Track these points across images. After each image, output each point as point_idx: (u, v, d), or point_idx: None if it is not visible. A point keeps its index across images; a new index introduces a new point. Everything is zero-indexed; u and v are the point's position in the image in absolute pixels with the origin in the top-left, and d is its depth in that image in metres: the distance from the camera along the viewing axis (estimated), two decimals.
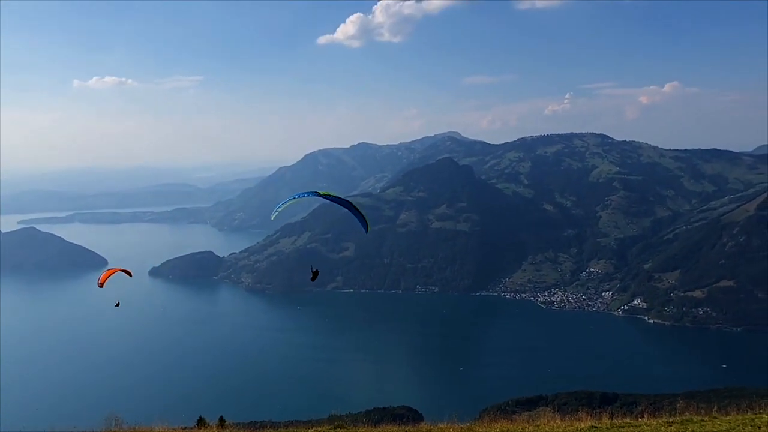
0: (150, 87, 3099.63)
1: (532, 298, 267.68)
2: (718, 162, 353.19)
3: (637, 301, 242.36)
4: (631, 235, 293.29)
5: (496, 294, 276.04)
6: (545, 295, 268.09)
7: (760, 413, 21.14)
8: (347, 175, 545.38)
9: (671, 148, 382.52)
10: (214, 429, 26.90)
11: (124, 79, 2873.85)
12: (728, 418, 20.86)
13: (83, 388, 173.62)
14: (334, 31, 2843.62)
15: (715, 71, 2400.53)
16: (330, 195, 30.52)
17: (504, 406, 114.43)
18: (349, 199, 30.71)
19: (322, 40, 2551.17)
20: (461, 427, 22.06)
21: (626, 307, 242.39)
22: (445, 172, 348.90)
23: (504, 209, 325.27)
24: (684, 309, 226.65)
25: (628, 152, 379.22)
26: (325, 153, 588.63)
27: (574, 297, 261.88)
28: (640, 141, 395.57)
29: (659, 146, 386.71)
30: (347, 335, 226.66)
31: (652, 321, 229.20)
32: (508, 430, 20.95)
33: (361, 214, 30.35)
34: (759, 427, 19.19)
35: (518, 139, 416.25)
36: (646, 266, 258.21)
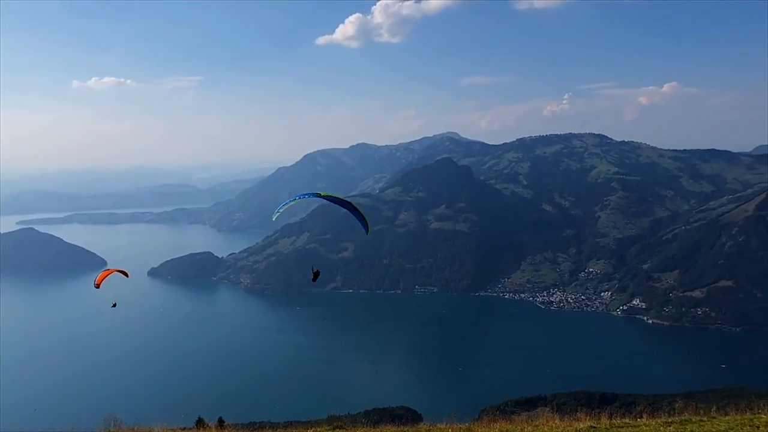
0: (149, 87, 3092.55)
1: (531, 299, 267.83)
2: (717, 162, 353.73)
3: (636, 301, 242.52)
4: (630, 236, 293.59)
5: (495, 294, 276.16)
6: (544, 296, 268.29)
7: (758, 413, 21.12)
8: (346, 175, 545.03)
9: (670, 149, 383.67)
10: (213, 429, 26.92)
11: (123, 79, 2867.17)
12: (727, 418, 20.85)
13: (83, 388, 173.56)
14: (333, 31, 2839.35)
15: (714, 71, 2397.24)
16: (331, 196, 30.59)
17: (503, 406, 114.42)
18: (348, 199, 30.75)
19: (321, 40, 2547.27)
20: (460, 428, 22.01)
21: (625, 307, 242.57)
22: (444, 172, 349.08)
23: (503, 209, 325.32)
24: (683, 309, 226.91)
25: (626, 152, 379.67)
26: (324, 153, 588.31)
27: (573, 297, 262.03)
28: (639, 141, 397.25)
29: (658, 146, 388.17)
30: (346, 336, 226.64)
31: (651, 321, 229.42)
32: (507, 430, 20.92)
33: (362, 215, 30.40)
34: (758, 427, 19.18)
35: (517, 139, 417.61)
36: (645, 266, 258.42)
